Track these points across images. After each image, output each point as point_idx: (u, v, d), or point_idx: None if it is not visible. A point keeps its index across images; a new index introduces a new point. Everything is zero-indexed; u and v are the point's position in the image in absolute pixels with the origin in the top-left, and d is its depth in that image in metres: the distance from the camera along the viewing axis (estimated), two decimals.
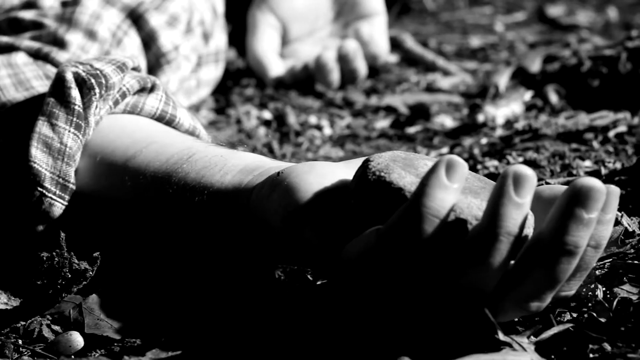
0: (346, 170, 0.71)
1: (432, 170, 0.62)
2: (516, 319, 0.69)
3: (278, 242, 0.71)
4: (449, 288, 0.64)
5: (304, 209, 0.68)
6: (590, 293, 0.70)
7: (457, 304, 0.65)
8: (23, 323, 0.76)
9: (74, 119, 0.82)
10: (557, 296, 0.66)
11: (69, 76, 0.82)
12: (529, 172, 0.62)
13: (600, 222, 0.63)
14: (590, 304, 0.70)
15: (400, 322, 0.69)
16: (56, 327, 0.76)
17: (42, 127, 0.82)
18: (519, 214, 0.62)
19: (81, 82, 0.82)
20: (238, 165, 0.76)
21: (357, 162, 0.72)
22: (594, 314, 0.69)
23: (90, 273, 0.78)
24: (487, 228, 0.62)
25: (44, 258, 0.78)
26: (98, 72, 0.83)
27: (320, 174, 0.70)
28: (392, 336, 0.69)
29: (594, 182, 0.61)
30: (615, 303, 0.70)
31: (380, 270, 0.64)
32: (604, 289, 0.72)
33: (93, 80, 0.82)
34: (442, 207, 0.62)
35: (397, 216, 0.63)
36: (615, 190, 0.63)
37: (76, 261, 0.77)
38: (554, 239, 0.62)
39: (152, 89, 0.88)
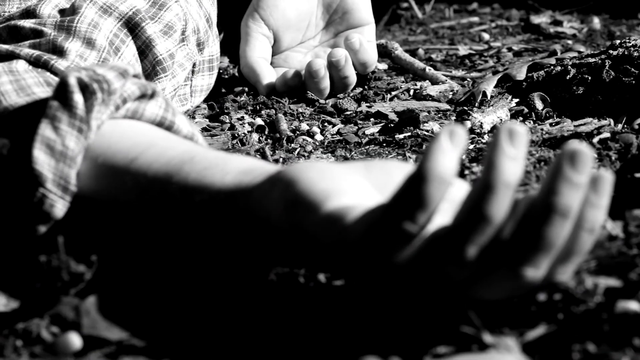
0: (345, 169, 0.72)
1: (435, 138, 0.63)
2: (504, 322, 0.70)
3: (278, 236, 0.72)
4: (450, 260, 0.64)
5: (304, 199, 0.69)
6: (577, 284, 0.71)
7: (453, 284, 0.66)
8: (22, 325, 0.76)
9: (77, 122, 0.83)
10: (551, 279, 0.67)
11: (72, 81, 0.83)
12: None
13: (594, 206, 0.64)
14: (576, 293, 0.71)
15: (398, 314, 0.70)
16: (54, 329, 0.76)
17: (45, 129, 0.82)
18: (517, 167, 0.63)
19: (84, 87, 0.83)
20: (238, 167, 0.77)
21: (356, 164, 0.73)
22: (578, 302, 0.70)
23: (88, 276, 0.78)
24: (483, 180, 0.63)
25: (42, 261, 0.78)
26: (100, 77, 0.84)
27: (320, 170, 0.71)
28: (384, 334, 0.70)
29: (581, 146, 0.63)
30: (600, 290, 0.71)
31: (386, 241, 0.65)
32: (592, 279, 0.72)
33: (95, 85, 0.83)
34: (446, 171, 0.63)
35: (404, 183, 0.64)
36: (609, 176, 0.65)
37: (74, 264, 0.78)
38: (546, 200, 0.63)
39: (152, 95, 0.89)
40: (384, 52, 1.59)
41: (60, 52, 0.97)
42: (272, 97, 1.39)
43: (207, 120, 1.34)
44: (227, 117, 1.33)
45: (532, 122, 1.25)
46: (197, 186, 0.77)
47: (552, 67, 1.38)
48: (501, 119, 1.25)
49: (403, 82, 1.50)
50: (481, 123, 1.22)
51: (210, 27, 1.27)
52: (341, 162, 1.15)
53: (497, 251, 0.65)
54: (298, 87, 1.41)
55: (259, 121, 1.31)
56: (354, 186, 0.71)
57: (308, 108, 1.38)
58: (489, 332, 0.68)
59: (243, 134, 1.26)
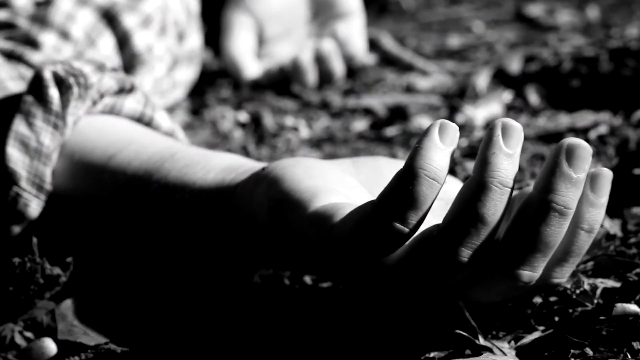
0: (332, 166, 0.70)
1: (426, 133, 0.61)
2: (499, 325, 0.69)
3: (262, 237, 0.70)
4: (444, 261, 0.62)
5: (290, 197, 0.67)
6: (574, 286, 0.70)
7: (448, 285, 0.64)
8: None
9: (52, 118, 0.81)
10: (548, 282, 0.65)
11: (48, 75, 0.82)
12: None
13: (593, 206, 0.63)
14: (574, 295, 0.70)
15: (387, 317, 0.69)
16: (28, 334, 0.75)
17: (19, 125, 0.81)
18: (512, 165, 0.61)
19: (60, 81, 0.82)
20: (221, 164, 0.75)
21: (343, 161, 0.72)
22: (577, 302, 0.69)
23: (63, 278, 0.77)
24: (477, 178, 0.61)
25: (16, 263, 0.77)
26: (77, 71, 0.82)
27: (306, 167, 0.69)
28: (373, 338, 0.69)
29: (579, 141, 0.61)
30: (599, 292, 0.70)
31: (375, 242, 0.62)
32: (589, 281, 0.71)
33: (72, 80, 0.82)
34: (439, 169, 0.61)
35: (394, 181, 0.61)
36: (608, 173, 0.63)
37: (49, 266, 0.76)
38: (542, 198, 0.61)
39: (130, 90, 0.87)
40: (372, 44, 1.59)
41: (34, 44, 0.96)
42: (256, 91, 1.39)
43: (189, 115, 1.33)
44: (209, 112, 1.32)
45: (526, 116, 1.24)
46: (178, 184, 0.76)
47: (546, 59, 1.38)
48: (494, 113, 1.24)
49: (392, 75, 1.49)
50: (473, 117, 1.22)
51: (191, 18, 1.26)
52: (328, 158, 1.14)
53: (491, 252, 0.63)
54: (283, 80, 1.41)
55: (242, 116, 1.30)
56: (341, 184, 0.69)
57: (293, 102, 1.37)
58: (483, 336, 0.66)
59: (226, 130, 1.26)
